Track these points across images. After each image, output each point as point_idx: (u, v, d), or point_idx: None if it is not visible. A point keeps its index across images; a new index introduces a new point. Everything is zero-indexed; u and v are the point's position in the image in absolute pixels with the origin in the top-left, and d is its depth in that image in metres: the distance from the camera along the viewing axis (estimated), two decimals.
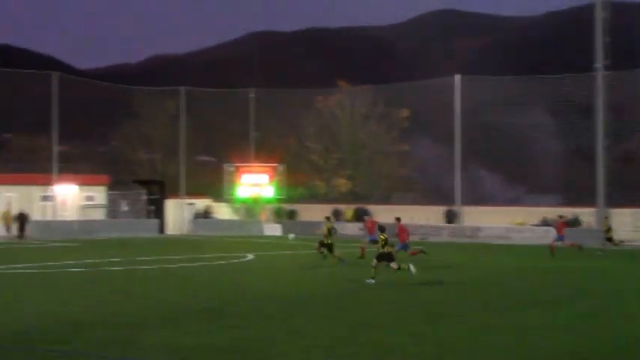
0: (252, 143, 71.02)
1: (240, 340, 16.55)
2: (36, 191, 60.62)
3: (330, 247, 34.57)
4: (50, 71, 63.60)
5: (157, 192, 66.87)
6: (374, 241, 33.69)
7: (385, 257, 27.43)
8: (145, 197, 65.89)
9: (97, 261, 35.68)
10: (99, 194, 64.07)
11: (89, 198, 63.45)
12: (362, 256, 37.15)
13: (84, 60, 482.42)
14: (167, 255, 40.14)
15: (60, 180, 61.50)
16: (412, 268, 27.77)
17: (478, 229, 57.16)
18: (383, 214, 62.36)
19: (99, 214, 63.10)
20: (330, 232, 34.75)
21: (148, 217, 64.75)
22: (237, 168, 67.40)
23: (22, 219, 56.48)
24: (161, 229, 64.46)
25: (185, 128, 69.57)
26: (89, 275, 30.42)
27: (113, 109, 72.72)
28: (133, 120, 77.59)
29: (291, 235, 44.98)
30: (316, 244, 35.88)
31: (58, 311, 20.39)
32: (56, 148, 62.01)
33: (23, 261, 36.10)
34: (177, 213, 67.24)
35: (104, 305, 21.62)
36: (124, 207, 65.55)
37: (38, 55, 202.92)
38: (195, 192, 69.47)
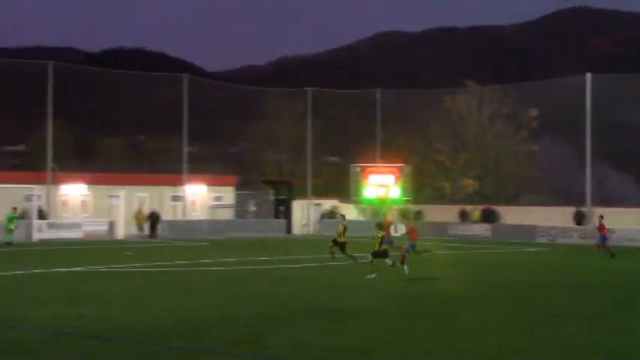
0: (379, 144, 71.01)
1: (362, 340, 16.59)
2: (167, 191, 62.06)
3: (342, 246, 33.80)
4: (181, 74, 65.04)
5: (284, 192, 67.56)
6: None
7: (380, 254, 28.86)
8: (272, 197, 66.67)
9: (224, 260, 36.29)
10: (227, 194, 65.14)
11: (218, 198, 64.58)
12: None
13: (214, 62, 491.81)
14: (293, 255, 40.50)
15: (190, 180, 62.82)
16: (405, 268, 29.38)
17: (610, 231, 55.57)
18: (511, 214, 61.58)
19: (227, 214, 64.15)
20: (345, 230, 33.84)
21: (276, 217, 65.47)
22: (364, 168, 67.48)
23: (153, 219, 57.96)
24: (288, 229, 65.11)
25: (312, 129, 70.06)
26: (217, 274, 30.97)
27: (242, 111, 73.86)
28: (260, 121, 78.68)
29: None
30: (329, 242, 35.28)
31: (188, 309, 20.85)
32: (186, 149, 63.36)
33: (156, 259, 37.04)
34: (304, 213, 67.79)
35: (232, 304, 21.99)
36: (252, 207, 66.46)
37: (170, 58, 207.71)
38: (321, 192, 69.90)
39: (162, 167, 66.49)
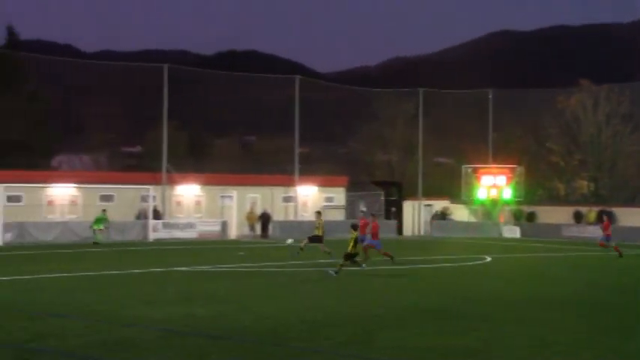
0: (491, 144, 70.18)
1: (472, 343, 16.41)
2: (278, 192, 62.64)
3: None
4: (293, 75, 65.52)
5: (394, 193, 67.43)
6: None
7: (351, 256, 30.27)
8: (382, 198, 66.59)
9: (335, 261, 36.37)
10: (338, 195, 65.34)
11: (329, 199, 64.85)
12: None
13: (325, 64, 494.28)
14: (404, 256, 40.33)
15: (301, 181, 63.24)
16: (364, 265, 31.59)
17: None
18: (628, 216, 60.02)
19: (338, 215, 64.36)
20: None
21: (386, 218, 65.38)
22: (476, 169, 66.84)
23: (264, 219, 58.58)
24: (399, 230, 64.94)
25: (422, 129, 69.70)
26: (327, 275, 31.07)
27: (352, 111, 74.00)
28: (371, 121, 78.71)
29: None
30: (325, 248, 35.97)
31: (299, 309, 20.96)
32: (297, 150, 63.80)
33: (267, 260, 37.40)
34: (415, 214, 67.51)
35: (341, 304, 22.03)
36: (362, 208, 66.49)
37: (282, 60, 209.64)
38: (431, 193, 69.49)
39: (273, 168, 67.10)
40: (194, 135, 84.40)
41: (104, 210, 50.14)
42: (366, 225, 34.44)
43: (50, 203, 53.62)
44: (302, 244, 36.08)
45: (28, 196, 52.17)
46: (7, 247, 45.65)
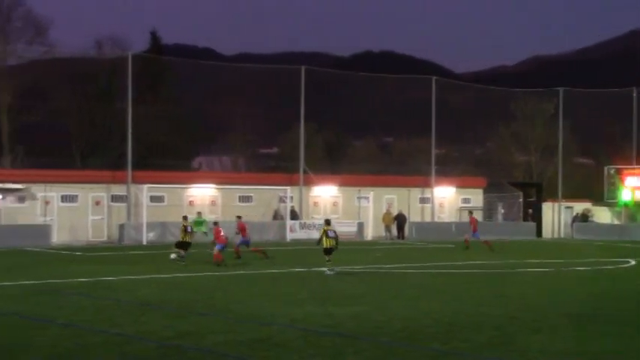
0: (635, 144, 67.98)
1: (613, 347, 15.89)
2: (414, 193, 62.32)
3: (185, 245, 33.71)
4: (430, 76, 65.08)
5: (533, 195, 66.17)
6: None
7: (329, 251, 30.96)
8: (521, 200, 65.42)
9: (470, 263, 35.95)
10: (475, 196, 64.55)
11: (465, 200, 64.14)
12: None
13: (463, 64, 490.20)
14: (542, 258, 39.53)
15: (437, 182, 62.74)
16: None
17: None
18: None
19: (476, 217, 63.58)
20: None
21: (525, 220, 64.23)
22: (619, 170, 64.95)
23: (401, 220, 58.35)
24: (538, 232, 63.67)
25: (562, 129, 68.12)
26: (465, 276, 30.71)
27: (490, 112, 72.97)
28: (509, 122, 77.49)
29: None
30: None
31: (436, 310, 20.75)
32: (434, 151, 63.34)
33: (404, 261, 37.24)
34: (554, 216, 66.08)
35: (479, 306, 21.69)
36: (501, 210, 65.54)
37: (419, 60, 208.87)
38: (572, 195, 67.86)
39: (410, 169, 66.83)
40: (331, 136, 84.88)
41: (199, 212, 48.84)
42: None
43: (191, 203, 54.82)
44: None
45: (169, 197, 53.48)
46: (150, 246, 46.91)
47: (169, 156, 65.82)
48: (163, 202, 53.01)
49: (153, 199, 52.11)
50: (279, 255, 40.58)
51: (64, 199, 50.77)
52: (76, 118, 68.93)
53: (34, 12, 69.30)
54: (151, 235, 49.33)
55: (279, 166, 71.15)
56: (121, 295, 23.68)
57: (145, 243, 48.38)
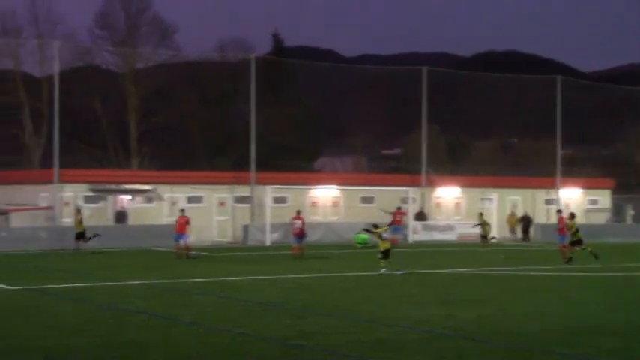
0: None
1: None
2: (539, 195, 61.22)
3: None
4: (555, 75, 63.82)
5: None
6: None
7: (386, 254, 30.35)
8: None
9: (595, 266, 35.05)
10: (603, 198, 63.01)
11: (592, 202, 62.66)
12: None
13: (590, 62, 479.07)
14: None
15: (563, 184, 61.49)
16: None
17: None
18: None
19: (602, 219, 62.07)
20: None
21: None
22: None
23: (526, 222, 57.40)
24: None
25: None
26: (589, 279, 29.99)
27: (619, 111, 71.19)
28: (639, 122, 75.41)
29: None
30: None
31: (558, 314, 20.31)
32: (560, 152, 62.08)
33: (528, 263, 36.63)
34: None
35: (603, 311, 21.11)
36: (630, 211, 63.79)
37: (543, 59, 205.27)
38: None
39: (535, 170, 65.69)
40: (453, 137, 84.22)
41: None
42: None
43: (313, 204, 55.20)
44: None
45: (292, 198, 53.92)
46: (274, 246, 47.40)
47: (292, 157, 66.47)
48: (286, 203, 53.46)
49: (276, 200, 52.65)
50: (403, 256, 40.45)
51: (190, 200, 51.80)
52: (201, 120, 70.32)
53: (160, 17, 71.08)
54: (275, 235, 49.84)
55: (402, 168, 70.94)
56: (246, 295, 23.98)
57: (268, 244, 48.93)
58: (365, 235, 46.32)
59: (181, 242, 38.51)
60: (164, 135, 70.59)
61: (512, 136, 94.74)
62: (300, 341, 16.20)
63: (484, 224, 48.07)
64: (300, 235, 38.95)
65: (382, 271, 30.03)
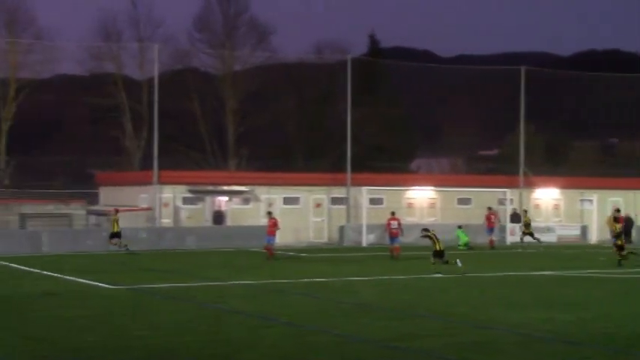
0: None
1: None
2: None
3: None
4: None
5: None
6: None
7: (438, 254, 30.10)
8: None
9: None
10: None
11: None
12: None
13: None
14: None
15: None
16: None
17: None
18: None
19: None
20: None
21: None
22: None
23: (628, 224, 56.10)
24: None
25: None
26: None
27: None
28: None
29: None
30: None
31: None
32: None
33: (631, 266, 35.87)
34: None
35: None
36: None
37: None
38: None
39: (636, 171, 64.24)
40: (552, 138, 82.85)
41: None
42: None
43: (409, 206, 55.01)
44: None
45: (388, 199, 53.81)
46: (370, 247, 47.43)
47: (388, 158, 66.34)
48: (382, 204, 53.36)
49: (372, 201, 52.62)
50: (498, 258, 40.06)
51: (287, 201, 52.18)
52: (297, 121, 70.78)
53: (257, 19, 71.77)
54: (371, 237, 49.83)
55: (499, 168, 70.12)
56: (342, 295, 24.05)
57: (364, 245, 48.96)
58: (467, 238, 46.02)
59: (269, 243, 38.37)
60: (261, 136, 71.23)
61: (612, 136, 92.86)
62: (397, 343, 16.17)
63: (527, 223, 47.01)
64: (397, 235, 39.05)
65: (436, 275, 29.75)
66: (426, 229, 32.29)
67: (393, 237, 39.31)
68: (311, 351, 15.53)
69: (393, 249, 38.84)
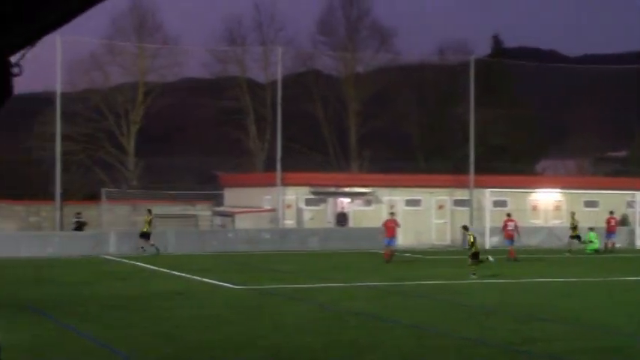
0: None
1: None
2: None
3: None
4: None
5: None
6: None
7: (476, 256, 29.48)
8: None
9: None
10: None
11: None
12: None
13: None
14: None
15: None
16: None
17: None
18: None
19: None
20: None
21: None
22: None
23: None
24: None
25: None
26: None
27: None
28: None
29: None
30: None
31: None
32: None
33: None
34: None
35: None
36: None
37: None
38: None
39: None
40: None
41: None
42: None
43: (534, 208, 54.04)
44: None
45: (512, 201, 52.95)
46: (492, 250, 46.76)
47: (512, 160, 65.35)
48: (506, 206, 52.49)
49: (495, 203, 51.87)
50: (627, 262, 38.99)
51: (408, 202, 51.94)
52: (419, 123, 70.47)
53: (379, 22, 71.88)
54: (495, 239, 49.14)
55: (628, 170, 68.25)
56: (465, 298, 23.79)
57: (487, 248, 48.31)
58: (598, 245, 44.55)
59: (391, 246, 37.89)
60: (383, 138, 71.22)
61: None
62: (524, 347, 15.87)
63: (574, 226, 44.52)
64: (512, 237, 38.60)
65: (472, 276, 28.96)
66: (465, 227, 32.54)
67: (509, 238, 38.94)
68: (436, 353, 15.41)
69: (510, 251, 38.35)
